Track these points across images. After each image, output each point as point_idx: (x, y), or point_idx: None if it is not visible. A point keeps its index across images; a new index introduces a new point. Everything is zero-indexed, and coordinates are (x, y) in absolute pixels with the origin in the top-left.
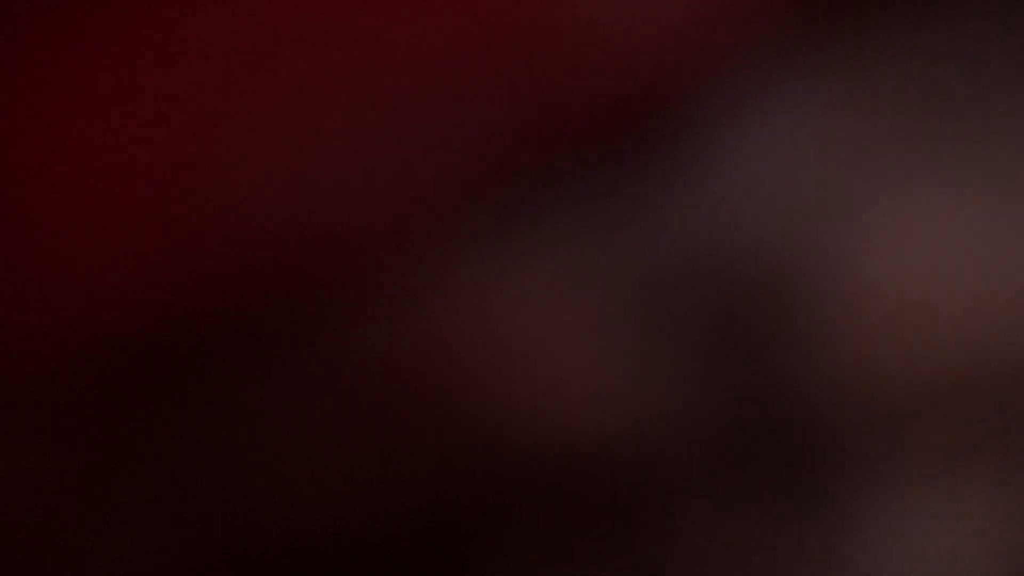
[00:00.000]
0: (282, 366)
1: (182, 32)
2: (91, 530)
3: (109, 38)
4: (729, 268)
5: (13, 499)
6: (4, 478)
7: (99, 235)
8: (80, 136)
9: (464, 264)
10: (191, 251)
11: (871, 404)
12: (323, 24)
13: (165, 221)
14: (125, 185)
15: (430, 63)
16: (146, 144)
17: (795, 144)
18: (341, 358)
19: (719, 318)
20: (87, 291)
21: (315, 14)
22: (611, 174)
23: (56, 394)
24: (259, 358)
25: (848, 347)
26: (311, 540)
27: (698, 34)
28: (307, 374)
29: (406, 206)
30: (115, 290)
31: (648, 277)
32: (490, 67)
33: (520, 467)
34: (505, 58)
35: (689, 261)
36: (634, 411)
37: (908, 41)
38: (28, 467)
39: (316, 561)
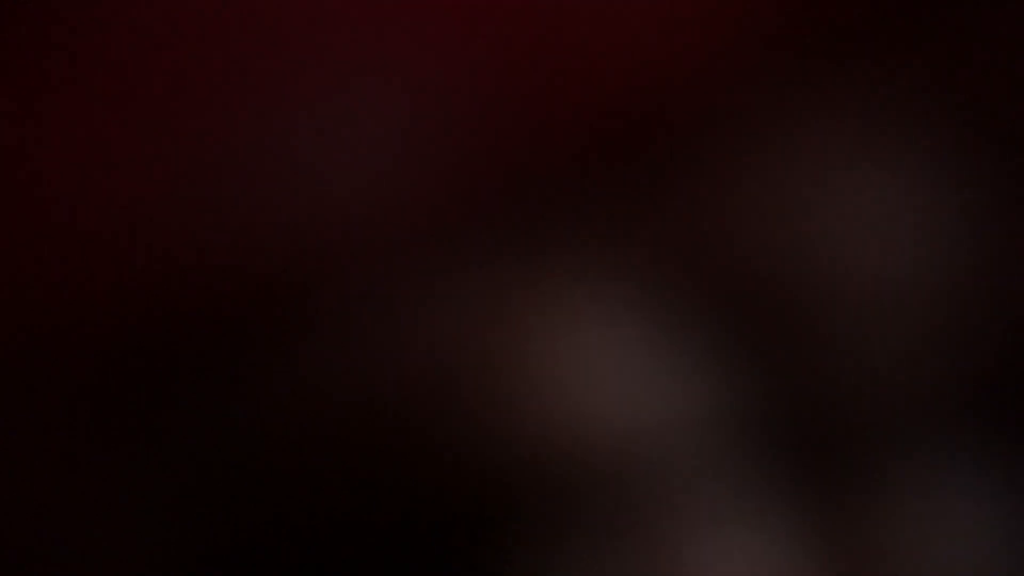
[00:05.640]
0: (286, 366)
1: (180, 31)
2: (90, 531)
3: (106, 34)
4: (742, 271)
5: (13, 500)
6: (4, 478)
7: (98, 235)
8: (77, 135)
9: (476, 264)
10: (190, 251)
11: (891, 404)
12: (323, 26)
13: (166, 222)
14: (121, 184)
15: (438, 63)
16: (142, 143)
17: (803, 149)
18: (348, 356)
19: (730, 319)
20: (85, 292)
21: (315, 15)
22: (623, 177)
23: (54, 396)
24: (262, 357)
25: (857, 348)
26: (314, 540)
27: (707, 42)
28: (312, 373)
29: (415, 207)
30: (114, 291)
31: (659, 278)
32: (498, 71)
33: (534, 468)
34: (513, 60)
35: (700, 263)
36: (645, 412)
37: (910, 58)
38: (28, 468)
39: (318, 560)
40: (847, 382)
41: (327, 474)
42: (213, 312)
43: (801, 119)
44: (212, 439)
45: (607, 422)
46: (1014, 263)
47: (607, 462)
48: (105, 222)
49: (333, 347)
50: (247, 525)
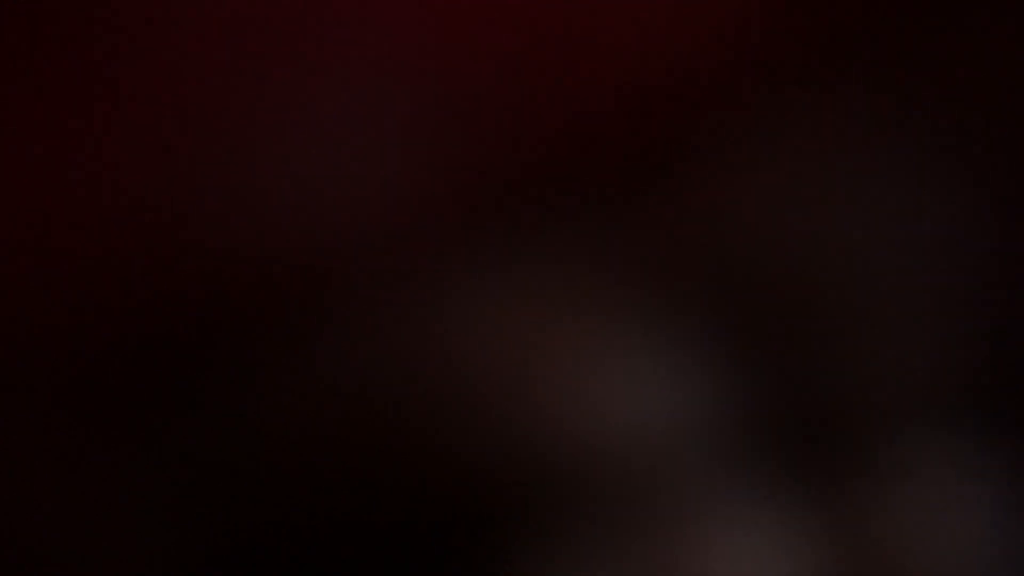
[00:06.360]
0: (286, 365)
1: (186, 30)
2: (90, 531)
3: (110, 31)
4: (742, 271)
5: (13, 500)
6: (4, 478)
7: (101, 234)
8: (80, 133)
9: (477, 265)
10: (193, 251)
11: (892, 403)
12: (329, 26)
13: (169, 221)
14: (125, 183)
15: (434, 62)
16: (145, 143)
17: (801, 150)
18: (347, 356)
19: (731, 319)
20: (88, 290)
21: (320, 15)
22: (626, 180)
23: (54, 396)
24: (264, 357)
25: (858, 347)
26: (314, 540)
27: (711, 43)
28: (313, 373)
29: (419, 209)
30: (117, 290)
31: (660, 279)
32: (492, 73)
33: (535, 468)
34: (510, 61)
35: (701, 263)
36: (646, 413)
37: (910, 59)
38: (28, 468)
39: (318, 560)
40: (848, 381)
41: (328, 474)
42: (215, 312)
43: (800, 120)
44: (213, 439)
45: (609, 422)
46: (1012, 260)
47: (607, 462)
48: (108, 220)
49: (333, 347)
50: (247, 525)
